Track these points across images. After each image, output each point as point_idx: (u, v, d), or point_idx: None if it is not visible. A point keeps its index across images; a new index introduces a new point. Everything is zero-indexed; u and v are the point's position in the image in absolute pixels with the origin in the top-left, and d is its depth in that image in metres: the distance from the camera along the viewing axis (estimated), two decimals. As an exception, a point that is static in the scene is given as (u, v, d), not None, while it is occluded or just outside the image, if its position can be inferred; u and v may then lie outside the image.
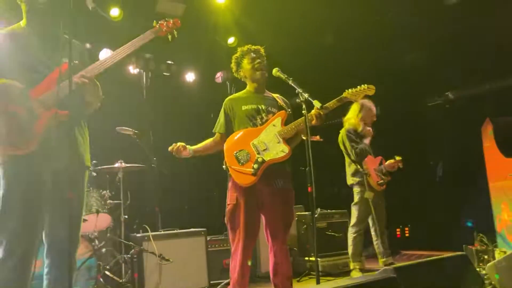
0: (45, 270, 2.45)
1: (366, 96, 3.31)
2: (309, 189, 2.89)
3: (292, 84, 3.12)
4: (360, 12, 5.84)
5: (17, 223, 2.29)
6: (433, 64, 6.54)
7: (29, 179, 2.34)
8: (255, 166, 3.10)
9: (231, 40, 6.49)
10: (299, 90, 3.05)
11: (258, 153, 3.14)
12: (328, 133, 5.16)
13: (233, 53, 3.52)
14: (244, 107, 3.33)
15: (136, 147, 5.12)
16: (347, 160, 5.12)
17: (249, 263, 3.17)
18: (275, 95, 3.48)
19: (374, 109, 5.14)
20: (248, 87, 3.48)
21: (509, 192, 4.89)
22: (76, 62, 2.38)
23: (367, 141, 5.06)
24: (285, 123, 3.25)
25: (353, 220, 5.01)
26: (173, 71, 6.70)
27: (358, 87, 3.22)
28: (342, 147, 5.11)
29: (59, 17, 2.45)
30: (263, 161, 3.12)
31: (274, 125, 3.24)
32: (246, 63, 3.39)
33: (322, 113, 3.09)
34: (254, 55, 3.38)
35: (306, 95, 3.00)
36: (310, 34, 6.22)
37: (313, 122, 3.11)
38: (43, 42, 2.52)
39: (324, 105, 3.11)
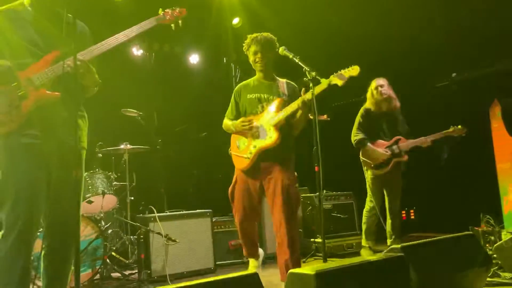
0: (43, 252, 2.40)
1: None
2: (316, 168, 2.87)
3: (299, 62, 3.09)
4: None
5: (15, 196, 2.24)
6: (442, 45, 6.43)
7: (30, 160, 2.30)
8: (249, 152, 3.33)
9: (235, 20, 6.40)
10: (306, 68, 3.02)
11: (254, 140, 3.32)
12: (336, 113, 5.10)
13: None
14: (248, 96, 3.47)
15: (141, 129, 5.10)
16: None
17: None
18: (282, 81, 3.50)
19: (384, 90, 4.89)
20: (257, 74, 3.56)
21: (516, 174, 4.85)
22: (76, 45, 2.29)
23: (385, 121, 4.92)
24: (280, 109, 3.31)
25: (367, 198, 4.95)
26: (178, 53, 6.64)
27: (346, 69, 3.15)
28: None
29: None
30: (255, 148, 3.31)
31: (268, 113, 3.34)
32: (250, 55, 3.50)
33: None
34: (256, 49, 3.42)
35: (313, 73, 2.98)
36: (316, 11, 6.11)
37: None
38: (46, 22, 2.45)
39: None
